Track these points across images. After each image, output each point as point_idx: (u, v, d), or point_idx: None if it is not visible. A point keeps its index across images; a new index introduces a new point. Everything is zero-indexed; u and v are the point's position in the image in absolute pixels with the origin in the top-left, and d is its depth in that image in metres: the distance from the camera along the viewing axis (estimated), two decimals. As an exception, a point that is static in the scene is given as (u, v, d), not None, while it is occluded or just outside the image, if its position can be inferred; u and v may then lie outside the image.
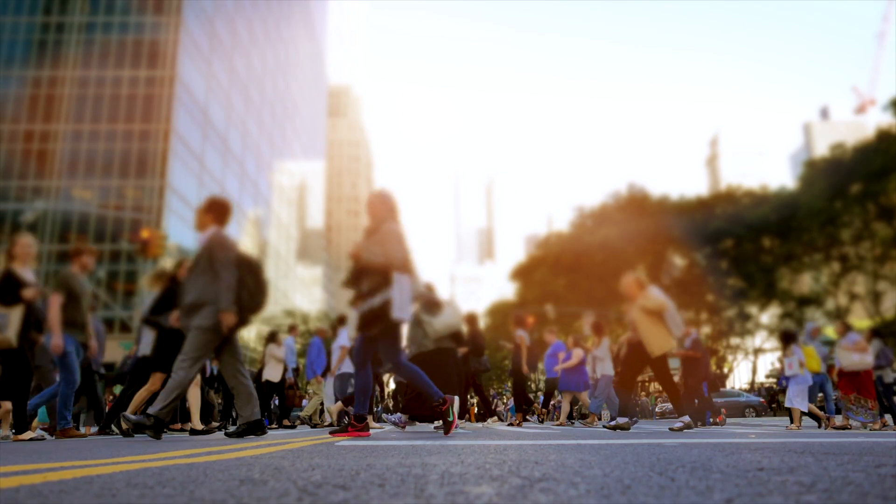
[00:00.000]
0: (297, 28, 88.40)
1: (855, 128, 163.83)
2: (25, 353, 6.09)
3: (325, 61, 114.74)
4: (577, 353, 10.91)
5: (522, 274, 59.91)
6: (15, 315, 5.92)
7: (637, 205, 52.65)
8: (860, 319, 49.51)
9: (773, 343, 50.33)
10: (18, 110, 48.11)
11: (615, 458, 2.23)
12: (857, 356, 9.65)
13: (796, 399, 9.84)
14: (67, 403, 6.72)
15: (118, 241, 45.02)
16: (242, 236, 63.85)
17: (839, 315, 46.05)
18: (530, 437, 4.49)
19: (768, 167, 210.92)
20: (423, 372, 5.90)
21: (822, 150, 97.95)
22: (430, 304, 7.30)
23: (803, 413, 10.05)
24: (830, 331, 46.77)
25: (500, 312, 57.03)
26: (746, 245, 47.29)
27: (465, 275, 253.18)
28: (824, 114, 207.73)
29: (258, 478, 1.68)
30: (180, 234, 48.07)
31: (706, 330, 47.63)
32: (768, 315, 49.02)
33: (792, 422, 9.99)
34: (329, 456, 2.55)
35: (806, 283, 50.83)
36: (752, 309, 48.72)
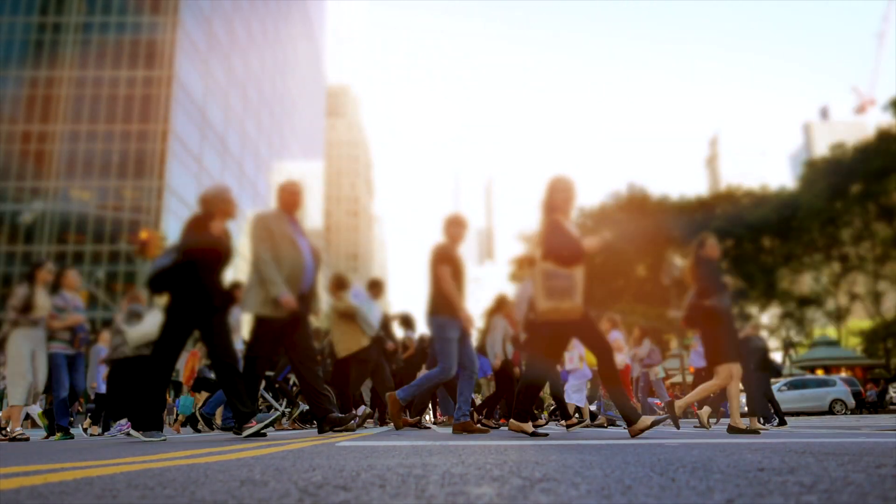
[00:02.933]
0: (296, 28, 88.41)
1: (855, 128, 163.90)
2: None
3: (323, 61, 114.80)
4: None
5: (523, 274, 59.92)
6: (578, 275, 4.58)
7: (637, 205, 52.72)
8: (861, 319, 49.59)
9: (774, 343, 50.29)
10: (16, 111, 48.10)
11: (616, 459, 2.23)
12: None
13: (575, 395, 9.56)
14: (465, 392, 5.90)
15: (117, 242, 45.05)
16: (241, 237, 63.92)
17: (839, 315, 46.11)
18: (531, 437, 4.49)
19: (768, 167, 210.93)
20: (125, 378, 7.38)
21: (822, 150, 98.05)
22: (131, 314, 7.85)
23: (579, 408, 9.71)
24: (832, 331, 46.80)
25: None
26: (746, 245, 47.36)
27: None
28: (824, 114, 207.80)
29: (259, 479, 1.68)
30: (179, 234, 48.11)
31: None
32: (768, 315, 49.08)
33: (591, 419, 9.79)
34: (330, 456, 2.55)
35: (806, 283, 50.89)
36: (753, 309, 48.77)
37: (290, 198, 5.30)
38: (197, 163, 52.45)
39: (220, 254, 5.05)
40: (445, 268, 5.62)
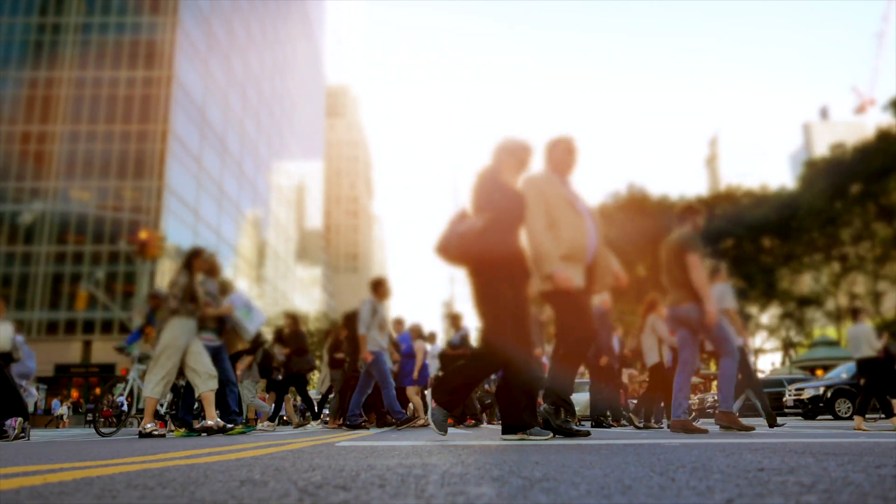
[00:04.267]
0: (295, 28, 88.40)
1: (855, 128, 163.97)
2: None
3: (322, 61, 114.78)
4: (420, 347, 10.35)
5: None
6: None
7: (637, 205, 52.75)
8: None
9: (773, 343, 50.30)
10: (15, 111, 48.09)
11: (616, 458, 2.23)
12: None
13: None
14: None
15: (116, 243, 45.02)
16: (241, 237, 63.90)
17: (839, 315, 46.13)
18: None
19: (768, 167, 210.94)
20: None
21: (821, 150, 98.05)
22: None
23: None
24: (832, 331, 46.86)
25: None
26: (746, 245, 47.38)
27: (466, 275, 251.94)
28: (824, 114, 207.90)
29: (259, 479, 1.68)
30: (178, 234, 48.06)
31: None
32: (768, 315, 49.08)
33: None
34: (329, 457, 2.55)
35: (806, 283, 50.92)
36: (753, 309, 48.80)
37: (565, 156, 4.49)
38: (196, 163, 52.44)
39: (518, 211, 4.17)
40: (696, 256, 5.40)
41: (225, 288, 7.81)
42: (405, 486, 1.47)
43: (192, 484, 1.58)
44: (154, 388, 6.50)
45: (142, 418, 8.73)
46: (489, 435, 5.40)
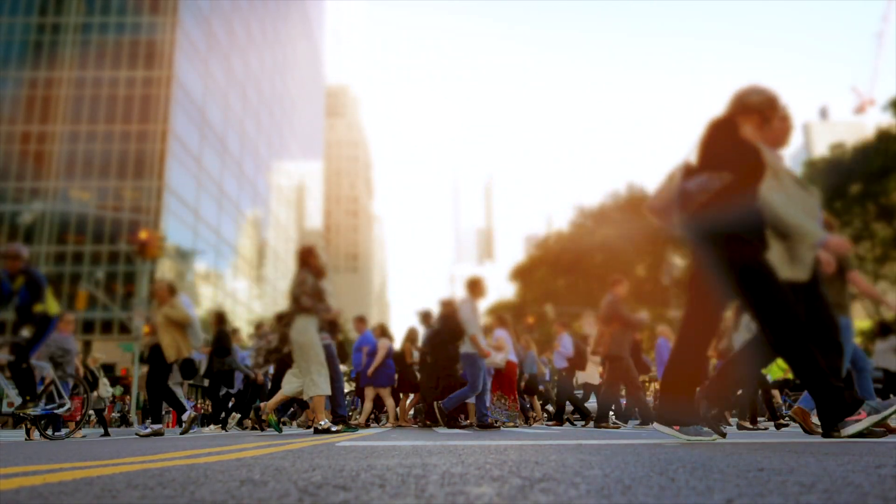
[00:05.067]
0: (295, 28, 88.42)
1: (854, 128, 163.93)
2: None
3: (322, 61, 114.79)
4: (383, 345, 10.03)
5: (522, 274, 60.05)
6: None
7: (637, 205, 52.72)
8: (860, 320, 49.57)
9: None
10: (15, 111, 48.09)
11: (615, 459, 2.23)
12: (494, 353, 9.16)
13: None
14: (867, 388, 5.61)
15: (116, 243, 45.03)
16: (241, 237, 63.90)
17: (838, 315, 46.12)
18: (531, 438, 4.50)
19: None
20: None
21: (821, 150, 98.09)
22: None
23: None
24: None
25: (500, 313, 57.18)
26: (746, 245, 47.43)
27: (465, 275, 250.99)
28: (823, 114, 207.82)
29: (259, 479, 1.68)
30: (178, 234, 48.08)
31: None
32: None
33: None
34: (329, 457, 2.55)
35: (805, 282, 50.88)
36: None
37: (783, 125, 3.92)
38: (196, 163, 52.44)
39: (759, 173, 3.45)
40: (854, 272, 5.23)
41: (174, 290, 7.86)
42: (405, 486, 1.47)
43: (192, 484, 1.58)
44: (324, 385, 6.37)
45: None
46: (489, 435, 5.40)
